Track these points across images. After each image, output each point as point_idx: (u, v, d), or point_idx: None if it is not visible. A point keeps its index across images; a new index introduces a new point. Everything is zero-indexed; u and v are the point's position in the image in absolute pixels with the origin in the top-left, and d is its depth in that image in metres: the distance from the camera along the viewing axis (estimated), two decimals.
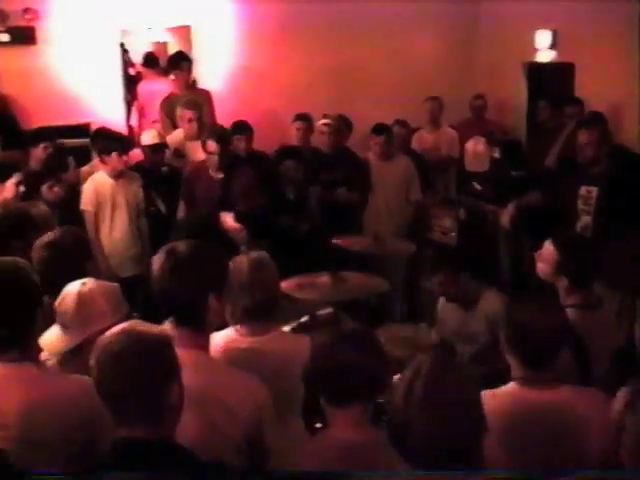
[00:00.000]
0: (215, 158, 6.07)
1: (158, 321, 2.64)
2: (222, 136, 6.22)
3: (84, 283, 2.89)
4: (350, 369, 2.38)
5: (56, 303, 2.88)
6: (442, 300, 4.74)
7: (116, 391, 2.06)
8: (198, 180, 6.20)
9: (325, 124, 6.96)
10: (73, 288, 2.87)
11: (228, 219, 5.83)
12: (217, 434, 2.55)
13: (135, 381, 2.04)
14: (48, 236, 3.51)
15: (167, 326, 2.58)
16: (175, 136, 7.00)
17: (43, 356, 2.83)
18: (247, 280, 3.10)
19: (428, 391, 2.14)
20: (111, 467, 2.04)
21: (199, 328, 2.64)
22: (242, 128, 6.70)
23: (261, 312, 3.15)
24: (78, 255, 3.50)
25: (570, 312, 3.36)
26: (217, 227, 5.78)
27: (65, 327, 2.83)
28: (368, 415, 2.46)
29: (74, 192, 5.93)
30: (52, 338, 2.85)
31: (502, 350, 2.81)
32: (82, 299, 2.83)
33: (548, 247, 3.77)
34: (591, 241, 4.75)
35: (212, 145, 6.07)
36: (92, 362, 2.10)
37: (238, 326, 3.13)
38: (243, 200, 5.95)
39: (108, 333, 2.14)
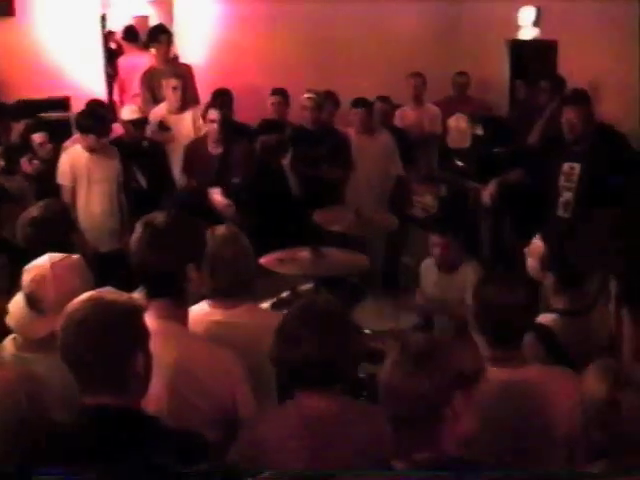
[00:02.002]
0: (215, 127, 6.00)
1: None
2: (224, 104, 6.16)
3: (52, 264, 2.84)
4: (315, 361, 2.34)
5: (27, 287, 2.82)
6: (426, 263, 4.80)
7: (80, 358, 2.05)
8: (196, 156, 6.16)
9: (308, 98, 6.91)
10: (44, 271, 2.81)
11: (216, 195, 5.80)
12: (188, 406, 2.55)
13: (98, 349, 2.03)
14: (31, 212, 3.47)
15: (137, 295, 2.56)
16: (156, 111, 6.95)
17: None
18: (220, 254, 3.07)
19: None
20: (75, 434, 2.03)
21: (178, 299, 2.64)
22: (222, 94, 6.68)
23: (234, 286, 3.12)
24: (63, 228, 3.47)
25: (554, 318, 3.23)
26: (204, 202, 5.75)
27: (41, 312, 2.79)
28: (340, 390, 2.45)
29: (52, 166, 5.88)
30: (25, 321, 2.82)
31: (470, 328, 2.78)
32: (58, 282, 2.78)
33: (536, 241, 3.52)
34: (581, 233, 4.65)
35: (214, 113, 6.01)
36: (58, 329, 2.09)
37: (211, 299, 3.10)
38: (242, 169, 5.93)
39: (75, 300, 2.13)
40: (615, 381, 2.17)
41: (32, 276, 2.82)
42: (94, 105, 6.59)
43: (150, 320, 2.51)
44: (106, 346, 2.03)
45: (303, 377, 2.39)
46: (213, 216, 5.44)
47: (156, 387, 2.35)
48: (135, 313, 2.14)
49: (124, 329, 2.08)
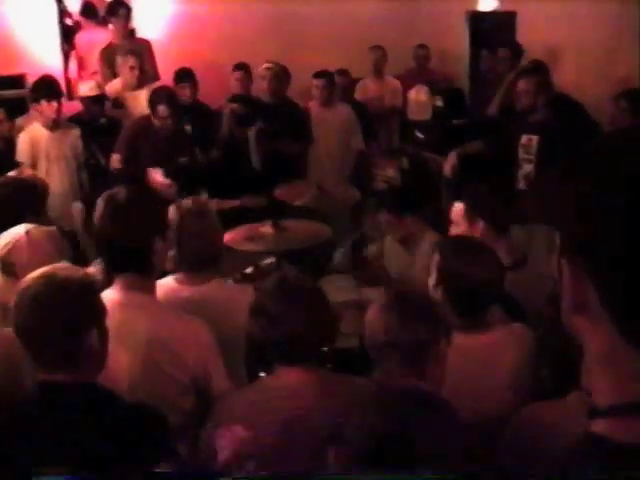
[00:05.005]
0: (169, 122, 5.75)
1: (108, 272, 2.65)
2: (172, 98, 6.00)
3: (27, 231, 2.85)
4: (299, 337, 2.37)
5: (1, 252, 2.84)
6: (388, 239, 4.81)
7: (33, 335, 2.05)
8: (144, 135, 6.02)
9: (267, 68, 6.86)
10: (19, 236, 2.83)
11: (156, 176, 5.69)
12: (162, 376, 2.57)
13: (51, 325, 2.03)
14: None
15: (92, 269, 2.56)
16: (113, 86, 6.87)
17: None
18: (187, 228, 3.07)
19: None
20: (30, 411, 2.04)
21: (145, 272, 2.65)
22: (186, 76, 6.59)
23: (201, 261, 3.12)
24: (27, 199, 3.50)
25: None
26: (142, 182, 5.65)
27: (14, 276, 2.78)
28: (315, 362, 2.49)
29: (9, 144, 5.81)
30: None
31: (432, 295, 2.77)
32: (32, 247, 2.81)
33: (456, 206, 3.63)
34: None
35: (163, 109, 5.73)
36: (12, 306, 2.08)
37: (177, 275, 3.11)
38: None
39: (27, 277, 2.12)
40: None
41: (6, 241, 2.83)
42: (44, 77, 6.52)
43: (117, 293, 2.53)
44: (59, 323, 2.03)
45: (285, 353, 2.42)
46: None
47: (128, 358, 2.38)
48: (89, 289, 2.14)
49: (77, 305, 2.08)
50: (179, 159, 5.85)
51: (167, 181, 5.59)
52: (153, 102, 5.78)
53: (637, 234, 0.93)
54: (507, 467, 1.71)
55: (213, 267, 3.23)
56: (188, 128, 6.19)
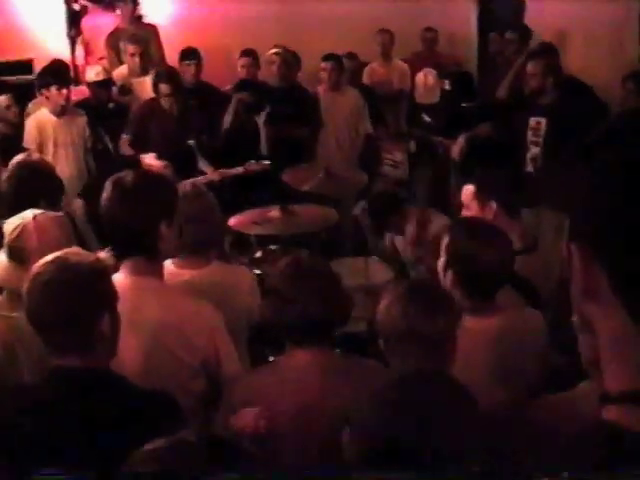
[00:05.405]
0: (172, 100, 5.90)
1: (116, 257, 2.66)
2: (173, 76, 6.06)
3: (35, 216, 2.86)
4: (315, 319, 2.38)
5: (9, 238, 2.85)
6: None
7: (45, 320, 2.05)
8: (152, 117, 6.05)
9: (275, 53, 6.84)
10: (26, 221, 2.84)
11: (149, 159, 5.71)
12: (172, 360, 2.57)
13: (63, 310, 2.02)
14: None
15: (104, 255, 2.56)
16: (120, 72, 6.88)
17: None
18: (185, 211, 3.05)
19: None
20: (43, 394, 2.04)
21: (152, 256, 2.63)
22: (190, 54, 6.60)
23: (200, 244, 3.11)
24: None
25: None
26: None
27: (21, 261, 2.79)
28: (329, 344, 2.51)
29: (18, 129, 5.82)
30: (6, 273, 2.83)
31: (441, 278, 2.78)
32: (40, 232, 2.81)
33: (466, 189, 3.60)
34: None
35: (165, 87, 5.89)
36: (23, 291, 2.09)
37: (177, 259, 3.10)
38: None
39: (40, 262, 2.12)
40: None
41: (14, 227, 2.83)
42: (54, 62, 6.54)
43: (124, 278, 2.53)
44: (71, 308, 2.03)
45: (299, 334, 2.43)
46: None
47: (137, 342, 2.38)
48: (101, 274, 2.13)
49: (89, 290, 2.07)
50: (186, 142, 5.87)
51: (161, 163, 5.59)
52: (155, 81, 5.94)
53: None
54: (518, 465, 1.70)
55: (213, 250, 3.23)
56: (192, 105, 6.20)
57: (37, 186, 3.50)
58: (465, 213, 3.59)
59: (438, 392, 1.71)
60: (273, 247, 4.72)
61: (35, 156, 3.93)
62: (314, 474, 1.86)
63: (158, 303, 2.57)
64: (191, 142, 5.88)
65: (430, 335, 2.28)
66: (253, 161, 5.77)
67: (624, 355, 0.98)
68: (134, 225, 2.57)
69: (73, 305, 2.03)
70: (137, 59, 6.73)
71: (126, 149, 6.01)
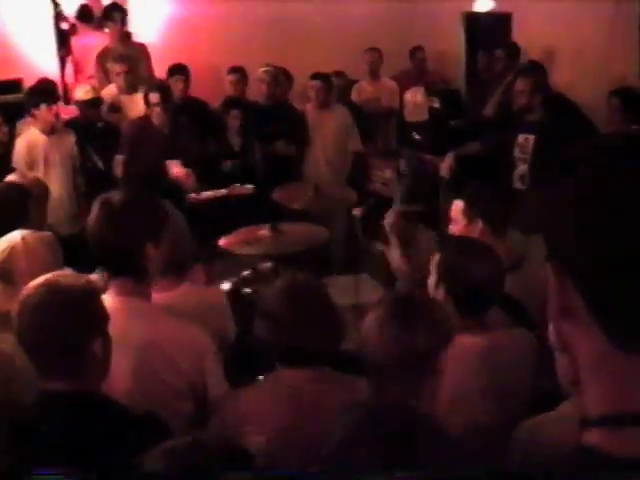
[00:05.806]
0: (158, 110, 5.98)
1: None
2: (163, 88, 6.13)
3: (23, 237, 2.85)
4: (306, 341, 2.38)
5: None
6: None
7: (35, 343, 2.04)
8: (144, 136, 6.08)
9: (265, 72, 6.87)
10: (14, 242, 2.82)
11: (174, 167, 5.77)
12: (159, 381, 2.55)
13: (54, 333, 2.01)
14: None
15: (95, 277, 2.55)
16: (109, 90, 6.90)
17: None
18: None
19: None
20: (33, 419, 2.02)
21: (139, 277, 2.62)
22: (178, 69, 6.66)
23: (169, 266, 3.04)
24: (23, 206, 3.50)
25: None
26: (162, 178, 5.73)
27: (10, 282, 2.78)
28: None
29: (7, 149, 5.81)
30: None
31: (433, 295, 2.75)
32: (30, 253, 2.80)
33: (456, 204, 3.60)
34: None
35: (155, 96, 5.98)
36: (14, 314, 2.07)
37: None
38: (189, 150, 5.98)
39: (30, 284, 2.10)
40: None
41: (2, 248, 2.82)
42: (42, 80, 6.62)
43: (112, 298, 2.52)
44: (62, 331, 2.02)
45: (290, 356, 2.43)
46: (173, 189, 5.48)
47: (124, 364, 2.37)
48: (92, 297, 2.12)
49: (80, 313, 2.06)
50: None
51: (184, 171, 5.65)
52: (146, 92, 6.07)
53: (620, 239, 0.92)
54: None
55: (181, 272, 3.18)
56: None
57: (14, 208, 3.48)
58: (452, 228, 3.61)
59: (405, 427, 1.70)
60: (262, 266, 4.70)
61: (30, 176, 3.90)
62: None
63: (144, 325, 2.56)
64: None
65: (409, 358, 2.21)
66: (238, 184, 5.81)
67: (602, 377, 0.97)
68: (120, 245, 2.56)
69: (65, 329, 2.02)
70: (123, 77, 6.77)
71: (119, 170, 6.01)
